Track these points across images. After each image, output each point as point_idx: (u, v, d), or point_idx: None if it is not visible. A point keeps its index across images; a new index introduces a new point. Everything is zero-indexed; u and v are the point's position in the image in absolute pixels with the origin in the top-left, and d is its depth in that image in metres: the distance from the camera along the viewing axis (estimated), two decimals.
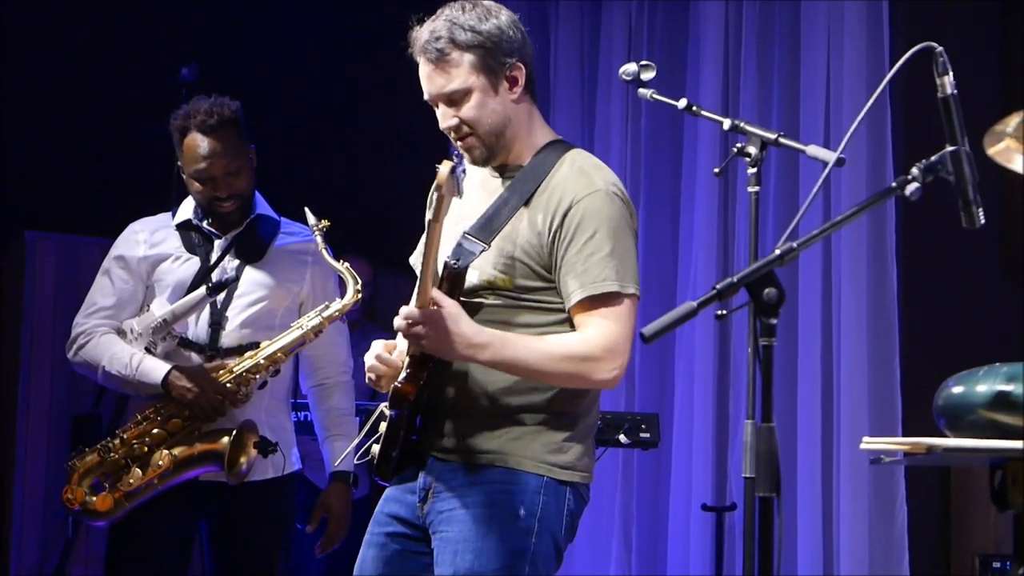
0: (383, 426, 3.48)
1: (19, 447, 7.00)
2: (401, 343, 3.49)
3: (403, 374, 3.37)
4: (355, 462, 3.62)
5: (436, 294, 3.27)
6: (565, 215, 3.35)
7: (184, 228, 4.71)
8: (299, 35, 7.44)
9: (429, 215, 3.22)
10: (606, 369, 3.31)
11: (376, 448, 3.50)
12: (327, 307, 4.55)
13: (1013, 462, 2.90)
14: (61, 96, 7.05)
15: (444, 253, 3.39)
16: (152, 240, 4.70)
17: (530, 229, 3.38)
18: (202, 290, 4.56)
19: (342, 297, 4.57)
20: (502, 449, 3.38)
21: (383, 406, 3.50)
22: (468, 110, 3.39)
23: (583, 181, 3.39)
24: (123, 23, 7.14)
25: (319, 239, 4.47)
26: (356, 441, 3.63)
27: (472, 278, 3.39)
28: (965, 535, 5.82)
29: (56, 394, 7.03)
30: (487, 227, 3.38)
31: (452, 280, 3.33)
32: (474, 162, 3.45)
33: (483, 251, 3.35)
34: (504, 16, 3.44)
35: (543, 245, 3.36)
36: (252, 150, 4.68)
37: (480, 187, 3.48)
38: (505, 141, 3.44)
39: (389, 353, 3.48)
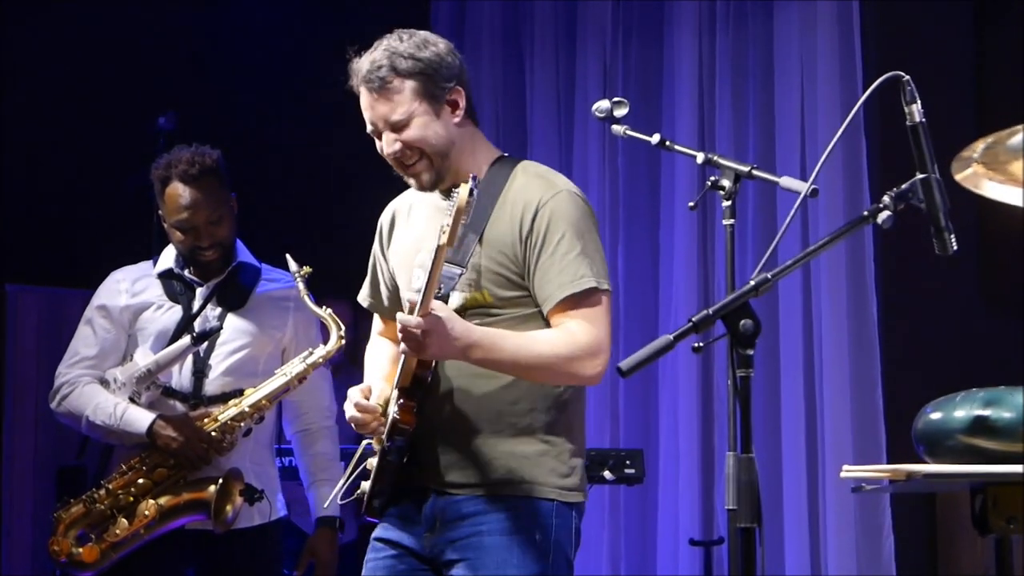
0: (371, 462, 3.49)
1: (4, 500, 6.98)
2: (374, 381, 3.54)
3: (396, 406, 3.39)
4: (340, 503, 3.62)
5: (435, 303, 3.29)
6: (533, 220, 3.41)
7: (166, 277, 4.71)
8: (276, 81, 7.45)
9: (441, 239, 3.22)
10: (592, 366, 3.37)
11: (365, 484, 3.50)
12: (311, 353, 4.55)
13: (993, 486, 2.90)
14: (39, 148, 7.05)
15: (405, 283, 3.49)
16: (134, 289, 4.71)
17: (499, 240, 3.43)
18: (186, 339, 4.56)
19: (325, 343, 4.57)
20: (511, 478, 3.41)
21: (367, 442, 3.51)
22: (412, 134, 3.44)
23: (543, 185, 3.46)
24: (100, 72, 7.14)
25: (301, 285, 4.47)
26: (342, 482, 3.63)
27: (453, 301, 3.43)
28: (952, 562, 5.81)
29: (40, 446, 7.01)
30: (460, 250, 3.41)
31: None
32: (422, 187, 3.50)
33: (462, 274, 3.41)
34: (442, 44, 3.51)
35: (516, 254, 3.42)
36: (233, 198, 4.69)
37: (434, 214, 3.50)
38: (450, 163, 3.48)
39: (365, 398, 3.50)
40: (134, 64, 7.19)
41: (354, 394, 3.50)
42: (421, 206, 3.61)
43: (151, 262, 4.77)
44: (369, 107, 3.48)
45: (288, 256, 4.50)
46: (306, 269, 4.48)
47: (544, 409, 3.44)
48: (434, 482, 3.44)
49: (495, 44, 7.14)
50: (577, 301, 3.38)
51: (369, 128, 3.50)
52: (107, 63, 7.16)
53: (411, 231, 3.61)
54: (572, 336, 3.36)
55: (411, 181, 3.51)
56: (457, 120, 3.49)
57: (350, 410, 3.48)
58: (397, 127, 3.45)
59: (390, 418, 3.38)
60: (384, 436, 3.41)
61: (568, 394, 3.48)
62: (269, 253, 4.80)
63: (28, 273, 7.12)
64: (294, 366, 4.55)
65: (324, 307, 4.51)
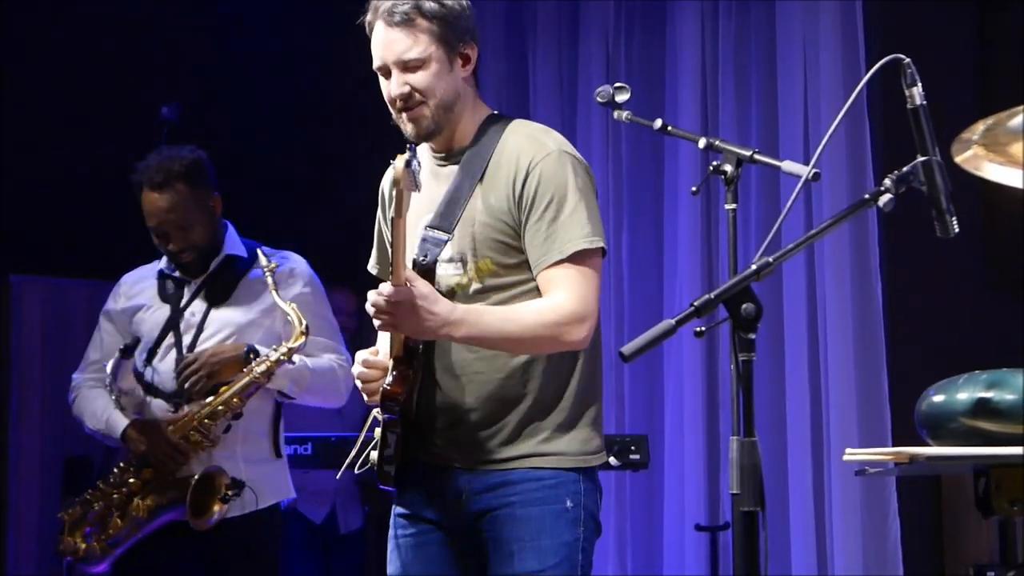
0: (378, 432, 3.48)
1: (11, 491, 7.00)
2: (383, 345, 3.50)
3: (389, 376, 3.38)
4: (356, 472, 3.61)
5: (410, 275, 3.26)
6: (524, 183, 3.38)
7: (160, 277, 4.82)
8: (280, 70, 7.45)
9: (391, 212, 3.22)
10: (577, 331, 3.34)
11: (374, 455, 3.50)
12: (275, 350, 4.59)
13: (996, 468, 2.91)
14: (43, 138, 7.05)
15: (411, 250, 3.41)
16: (131, 292, 4.84)
17: (493, 205, 3.40)
18: (116, 354, 4.69)
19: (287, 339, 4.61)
20: (538, 451, 3.41)
21: (376, 411, 3.48)
22: (423, 78, 3.40)
23: (534, 146, 3.42)
24: (103, 63, 7.14)
25: (270, 280, 4.56)
26: (353, 452, 3.64)
27: (453, 273, 3.42)
28: (959, 545, 5.82)
29: (47, 437, 7.03)
30: (447, 215, 3.41)
31: (423, 276, 3.34)
32: (417, 133, 3.43)
33: (448, 240, 3.39)
34: None
35: (512, 218, 3.39)
36: (215, 197, 4.73)
37: (431, 177, 3.46)
38: (453, 116, 3.44)
39: (373, 357, 3.48)
40: (138, 54, 7.19)
41: (362, 353, 3.49)
42: (420, 172, 3.55)
43: (159, 260, 4.84)
44: (384, 43, 3.42)
45: (259, 251, 4.61)
46: (273, 264, 4.60)
47: (562, 379, 3.43)
48: (458, 458, 3.44)
49: (498, 32, 7.13)
50: (564, 265, 3.35)
51: (377, 64, 3.44)
52: (111, 54, 7.15)
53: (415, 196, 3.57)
54: (557, 303, 3.34)
55: (407, 126, 3.44)
56: (465, 75, 3.47)
57: (357, 367, 3.46)
58: (410, 67, 3.40)
59: (382, 389, 3.38)
60: (380, 407, 3.42)
61: (583, 360, 3.45)
62: (269, 242, 4.84)
63: (32, 264, 7.13)
64: (259, 363, 4.58)
65: (289, 303, 4.57)
